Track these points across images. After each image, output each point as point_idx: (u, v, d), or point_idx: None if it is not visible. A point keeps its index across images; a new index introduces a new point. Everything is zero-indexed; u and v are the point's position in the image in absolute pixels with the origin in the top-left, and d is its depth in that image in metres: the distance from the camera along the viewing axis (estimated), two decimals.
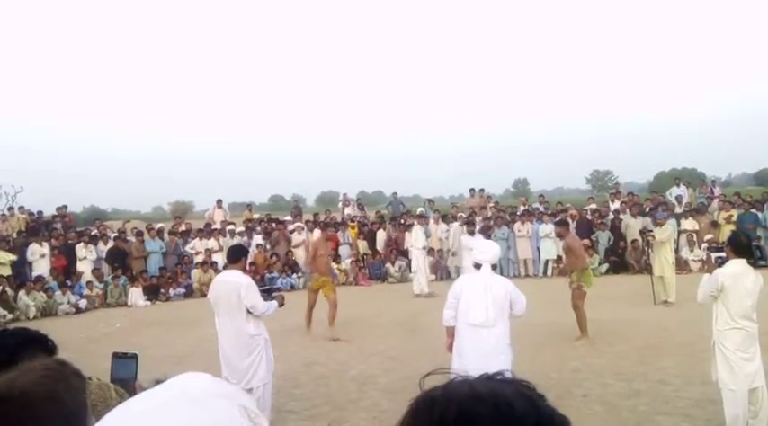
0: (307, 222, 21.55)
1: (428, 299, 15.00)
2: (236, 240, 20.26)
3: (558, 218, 13.31)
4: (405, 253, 20.42)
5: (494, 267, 6.57)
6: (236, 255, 7.14)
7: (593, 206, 21.88)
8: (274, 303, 6.92)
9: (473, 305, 6.30)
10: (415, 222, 18.62)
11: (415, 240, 17.58)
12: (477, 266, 6.60)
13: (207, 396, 1.07)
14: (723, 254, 6.16)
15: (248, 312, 6.68)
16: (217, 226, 21.17)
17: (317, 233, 18.73)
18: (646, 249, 14.93)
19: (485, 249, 6.88)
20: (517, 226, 19.87)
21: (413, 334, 11.25)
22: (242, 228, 21.16)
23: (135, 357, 2.52)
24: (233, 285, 6.73)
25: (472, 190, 23.93)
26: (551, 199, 25.78)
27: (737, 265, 5.89)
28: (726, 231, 19.09)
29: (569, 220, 13.24)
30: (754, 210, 19.48)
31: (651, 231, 14.48)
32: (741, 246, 6.02)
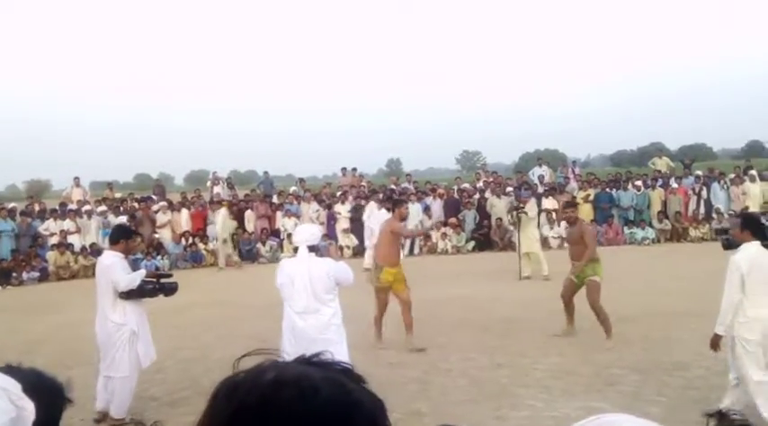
0: (171, 202, 20.81)
1: None
2: (95, 220, 19.30)
3: (567, 200, 12.11)
4: (276, 233, 20.17)
5: (312, 248, 6.26)
6: (115, 237, 6.78)
7: (464, 185, 22.44)
8: (136, 274, 6.56)
9: (296, 291, 6.09)
10: (372, 200, 18.72)
11: (367, 217, 17.62)
12: (296, 249, 6.42)
13: None
14: (728, 236, 5.82)
15: (120, 297, 6.35)
16: (73, 206, 19.97)
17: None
18: (515, 226, 15.09)
19: (299, 230, 6.77)
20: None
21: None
22: (103, 208, 20.08)
23: None
24: (101, 267, 6.54)
25: (344, 169, 23.96)
26: (422, 179, 26.20)
27: (753, 247, 5.49)
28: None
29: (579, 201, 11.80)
30: (609, 190, 20.71)
31: (523, 208, 14.80)
32: (756, 227, 5.59)
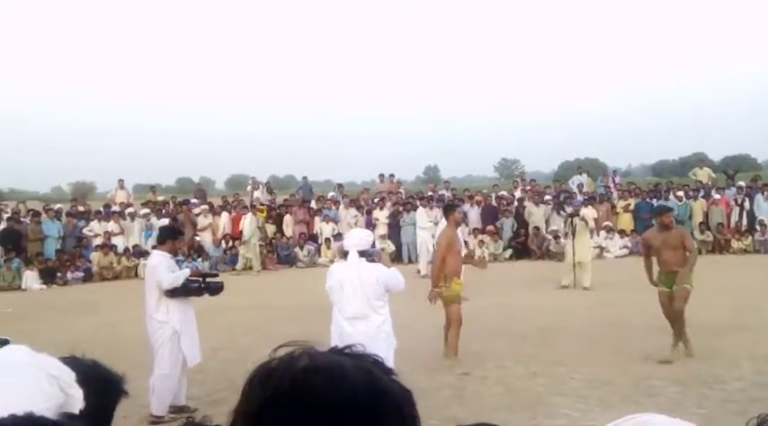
0: (212, 205, 21.16)
1: None
2: (138, 222, 19.70)
3: (657, 204, 11.38)
4: (314, 238, 20.36)
5: (363, 253, 6.21)
6: (162, 237, 6.99)
7: (501, 193, 22.38)
8: (180, 273, 6.71)
9: (345, 296, 6.07)
10: (418, 204, 19.02)
11: (420, 221, 18.02)
12: (345, 254, 6.36)
13: (15, 366, 1.11)
14: None
15: (166, 296, 6.51)
16: (117, 208, 20.43)
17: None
18: (570, 233, 14.46)
19: (349, 234, 6.70)
20: (426, 211, 20.07)
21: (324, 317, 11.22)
22: (146, 210, 20.52)
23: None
24: (148, 266, 6.78)
25: (382, 175, 24.08)
26: (460, 186, 26.19)
27: None
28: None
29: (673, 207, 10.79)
30: (650, 200, 20.45)
31: (579, 215, 14.49)
32: None
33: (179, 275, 6.62)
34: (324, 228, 20.11)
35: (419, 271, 16.62)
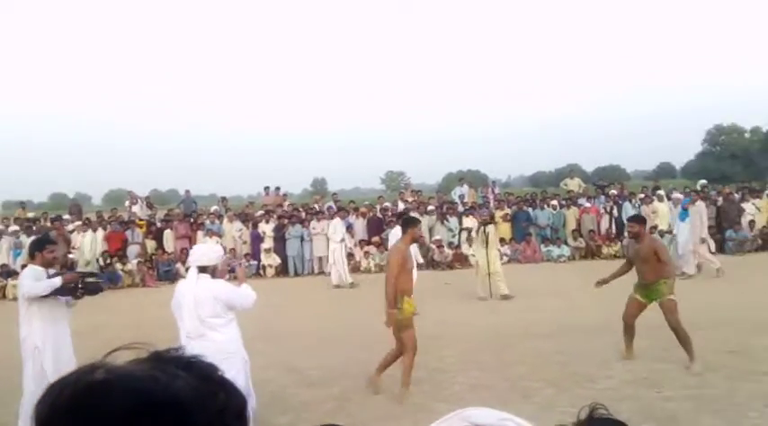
0: (87, 221, 20.24)
1: None
2: (6, 240, 18.62)
3: (633, 214, 10.85)
4: None
5: (204, 269, 5.88)
6: (30, 251, 6.59)
7: (386, 204, 22.62)
8: (47, 281, 6.17)
9: (182, 314, 5.79)
10: (335, 216, 18.61)
11: (332, 233, 17.62)
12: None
13: None
14: None
15: (32, 306, 6.17)
16: None
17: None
18: (482, 242, 13.88)
19: (192, 250, 6.36)
20: (312, 224, 20.02)
21: None
22: (15, 228, 19.32)
23: None
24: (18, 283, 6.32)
25: (267, 188, 23.83)
26: (346, 198, 26.28)
27: None
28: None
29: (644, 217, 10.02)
30: (526, 208, 21.29)
31: (491, 223, 14.35)
32: None
33: (46, 283, 6.18)
34: (208, 242, 19.61)
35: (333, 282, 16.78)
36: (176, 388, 0.85)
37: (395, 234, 12.67)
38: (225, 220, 20.58)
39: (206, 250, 6.36)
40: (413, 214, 20.47)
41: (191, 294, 5.74)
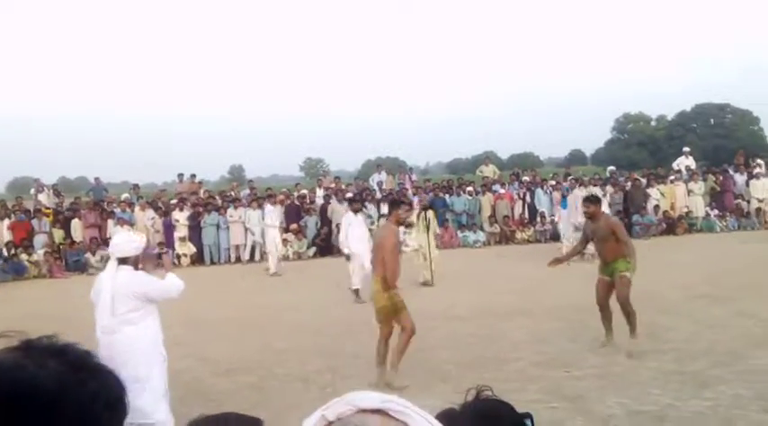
0: None
1: None
2: None
3: (587, 195, 10.49)
4: (107, 242, 19.17)
5: (123, 260, 5.52)
6: None
7: (303, 192, 22.47)
8: None
9: (98, 309, 5.47)
10: (267, 201, 18.21)
11: (269, 219, 17.24)
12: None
13: None
14: None
15: None
16: None
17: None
18: (425, 228, 13.96)
19: (112, 241, 6.07)
20: (229, 211, 19.69)
21: None
22: None
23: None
24: None
25: (181, 175, 23.26)
26: (263, 186, 25.94)
27: None
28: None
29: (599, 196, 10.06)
30: (442, 195, 21.58)
31: (430, 209, 14.59)
32: None
33: None
34: (118, 232, 19.00)
35: (268, 269, 16.58)
36: (42, 377, 0.83)
37: (347, 220, 12.62)
38: (137, 208, 20.01)
39: (124, 240, 5.87)
40: (330, 202, 20.55)
41: (107, 288, 5.44)
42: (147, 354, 5.49)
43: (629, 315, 7.91)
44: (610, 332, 8.11)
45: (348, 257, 12.15)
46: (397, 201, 8.22)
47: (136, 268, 5.61)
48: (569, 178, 21.12)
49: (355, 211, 12.66)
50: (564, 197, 18.02)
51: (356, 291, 11.98)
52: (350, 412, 0.90)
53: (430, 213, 14.37)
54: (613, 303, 8.08)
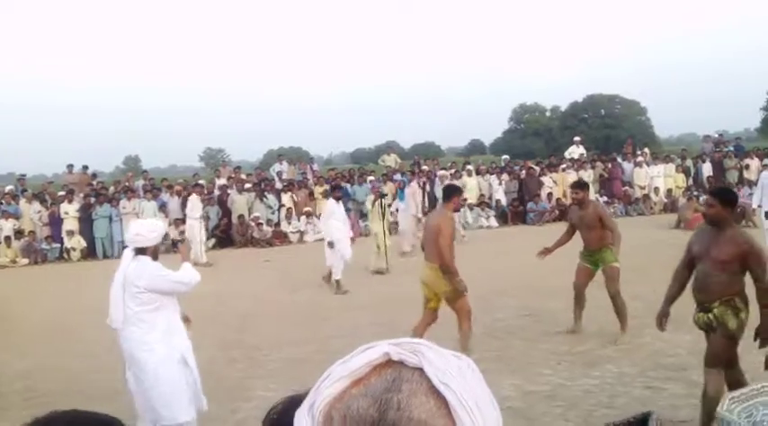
0: None
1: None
2: None
3: (575, 180, 9.97)
4: None
5: (142, 251, 5.09)
6: None
7: (200, 182, 21.91)
8: None
9: (110, 302, 5.08)
10: (192, 192, 17.54)
11: (190, 210, 16.71)
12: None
13: None
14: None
15: None
16: None
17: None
18: (379, 215, 13.99)
19: (129, 227, 5.57)
20: (123, 203, 18.99)
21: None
22: None
23: None
24: None
25: (71, 165, 22.22)
26: (160, 177, 25.15)
27: None
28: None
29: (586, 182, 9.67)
30: (344, 184, 21.56)
31: (385, 196, 14.59)
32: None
33: None
34: (4, 225, 18.02)
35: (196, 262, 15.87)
36: None
37: (330, 208, 12.17)
38: (22, 201, 19.01)
39: (146, 230, 5.23)
40: (230, 192, 20.15)
41: (119, 280, 5.01)
42: (151, 353, 5.04)
43: (620, 309, 7.71)
44: (579, 321, 8.02)
45: (331, 244, 11.77)
46: (453, 187, 7.83)
47: (155, 258, 5.17)
48: (493, 165, 21.35)
49: (337, 199, 12.36)
50: (401, 189, 18.05)
51: (337, 282, 11.61)
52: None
53: (385, 201, 14.42)
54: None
